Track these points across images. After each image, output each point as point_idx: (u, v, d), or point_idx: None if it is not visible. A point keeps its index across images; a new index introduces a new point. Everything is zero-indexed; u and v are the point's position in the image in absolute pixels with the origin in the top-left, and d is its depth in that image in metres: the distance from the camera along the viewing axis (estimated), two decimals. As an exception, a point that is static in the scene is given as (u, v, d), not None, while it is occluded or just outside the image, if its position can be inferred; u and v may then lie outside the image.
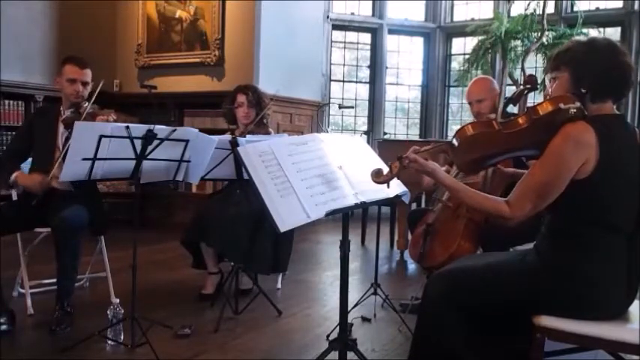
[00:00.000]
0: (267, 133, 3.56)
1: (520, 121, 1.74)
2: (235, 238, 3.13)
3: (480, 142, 1.80)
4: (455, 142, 1.83)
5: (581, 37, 1.81)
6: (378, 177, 1.89)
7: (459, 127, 1.88)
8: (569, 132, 1.62)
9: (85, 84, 3.02)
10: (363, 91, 7.60)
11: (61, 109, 3.07)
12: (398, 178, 1.96)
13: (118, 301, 2.64)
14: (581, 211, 1.67)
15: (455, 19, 7.52)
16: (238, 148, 1.96)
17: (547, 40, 5.93)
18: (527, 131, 1.72)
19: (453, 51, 7.60)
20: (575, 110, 1.64)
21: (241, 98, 3.58)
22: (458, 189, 1.82)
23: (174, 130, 2.57)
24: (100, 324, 2.61)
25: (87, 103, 2.98)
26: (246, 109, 3.56)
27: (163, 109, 5.78)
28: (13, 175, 2.91)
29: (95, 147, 2.41)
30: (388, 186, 1.92)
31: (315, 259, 4.68)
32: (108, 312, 2.60)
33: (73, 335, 2.62)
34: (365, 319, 3.02)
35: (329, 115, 7.35)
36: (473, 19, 7.12)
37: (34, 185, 2.83)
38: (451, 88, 7.56)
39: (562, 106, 1.65)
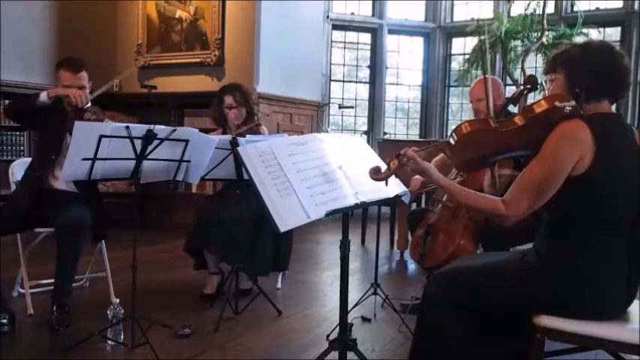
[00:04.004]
0: (261, 132, 3.52)
1: (516, 119, 1.76)
2: (236, 241, 3.13)
3: (477, 140, 1.80)
4: (452, 140, 1.84)
5: (579, 41, 1.82)
6: (376, 174, 1.90)
7: (458, 126, 1.89)
8: (565, 129, 1.63)
9: (81, 88, 2.94)
10: (363, 91, 7.60)
11: (67, 109, 3.00)
12: (397, 177, 1.96)
13: (118, 301, 2.63)
14: (580, 210, 1.67)
15: (455, 19, 7.52)
16: (238, 148, 1.96)
17: (547, 40, 5.94)
18: (524, 129, 1.73)
19: (453, 51, 7.61)
20: (570, 108, 1.66)
21: (229, 99, 3.53)
22: (453, 189, 1.82)
23: (174, 130, 2.56)
24: (100, 324, 2.61)
25: (89, 105, 2.96)
26: (236, 109, 3.53)
27: (163, 109, 5.77)
28: (43, 93, 2.80)
29: (95, 147, 2.40)
30: (387, 183, 1.93)
31: (315, 259, 4.68)
32: (108, 312, 2.60)
33: (73, 335, 2.62)
34: (365, 319, 3.02)
35: (329, 115, 7.35)
36: (473, 19, 7.13)
37: (71, 93, 2.79)
38: (451, 88, 7.57)
39: (557, 104, 1.67)
